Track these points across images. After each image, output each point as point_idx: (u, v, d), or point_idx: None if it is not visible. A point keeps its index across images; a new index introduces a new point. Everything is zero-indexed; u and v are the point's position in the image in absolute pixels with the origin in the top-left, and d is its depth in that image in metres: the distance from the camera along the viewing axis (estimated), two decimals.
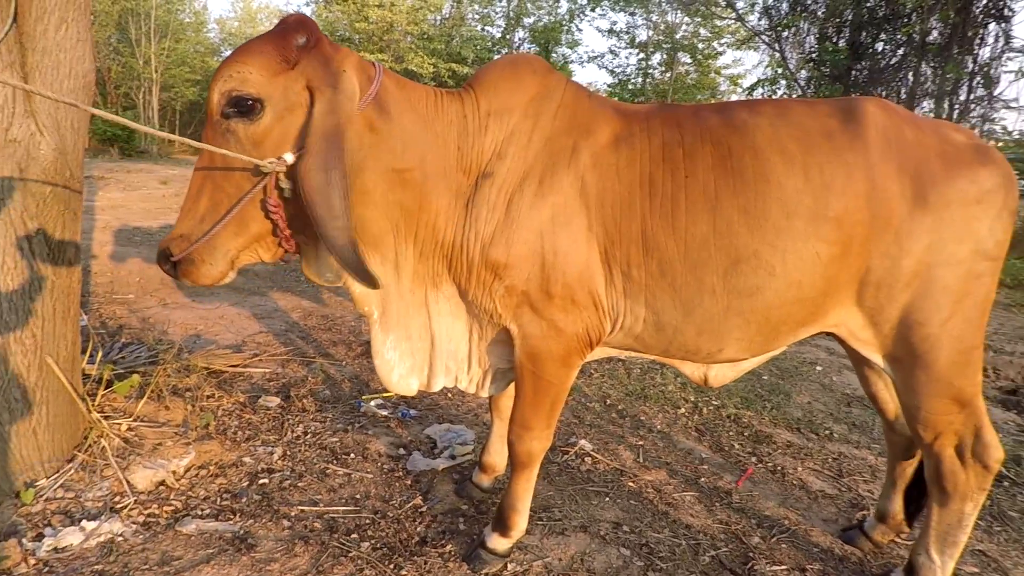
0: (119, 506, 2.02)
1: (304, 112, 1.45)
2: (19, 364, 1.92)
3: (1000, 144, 9.93)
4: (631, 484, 2.62)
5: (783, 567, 2.14)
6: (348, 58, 1.51)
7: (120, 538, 1.89)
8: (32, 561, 1.76)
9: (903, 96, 9.69)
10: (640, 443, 3.01)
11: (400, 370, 1.79)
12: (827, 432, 3.28)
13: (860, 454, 3.07)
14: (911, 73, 9.50)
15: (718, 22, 14.92)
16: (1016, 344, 5.11)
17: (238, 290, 5.08)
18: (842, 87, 9.50)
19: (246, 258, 1.56)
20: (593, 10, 16.91)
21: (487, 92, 1.68)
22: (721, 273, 1.60)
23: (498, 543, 1.98)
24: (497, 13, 16.97)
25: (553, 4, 16.85)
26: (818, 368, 4.34)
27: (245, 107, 1.43)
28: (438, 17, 16.13)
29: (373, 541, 2.08)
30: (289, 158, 1.42)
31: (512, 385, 1.98)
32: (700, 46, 16.07)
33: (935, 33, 9.27)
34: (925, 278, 1.63)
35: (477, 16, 16.78)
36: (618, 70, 17.95)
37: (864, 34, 9.67)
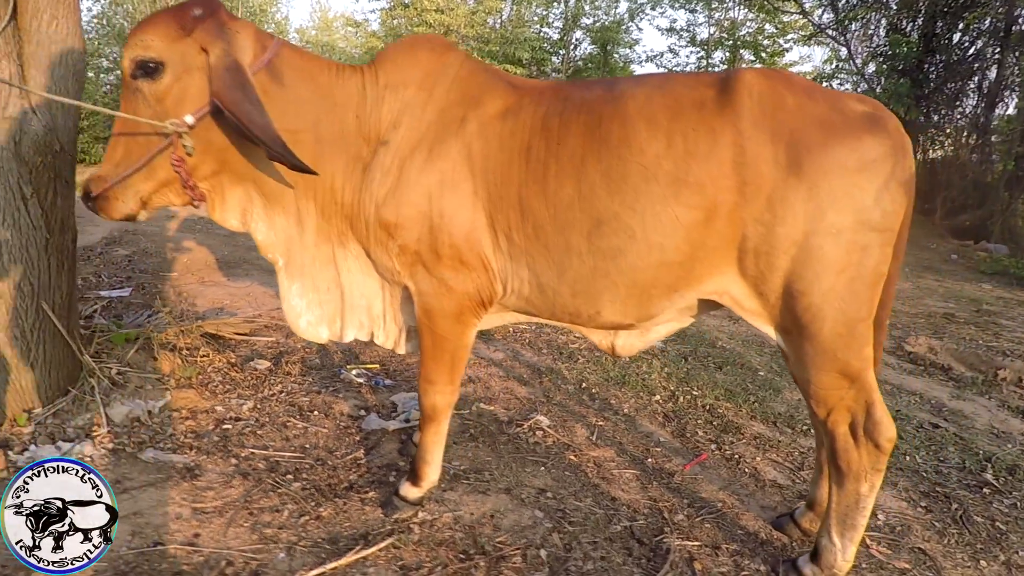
0: (94, 434, 2.34)
1: (201, 74, 1.67)
2: (18, 307, 2.27)
3: None
4: (573, 458, 2.68)
5: (696, 543, 2.15)
6: (245, 27, 1.72)
7: (88, 458, 2.20)
8: (12, 469, 2.09)
9: (985, 91, 8.93)
10: (600, 423, 3.06)
11: (308, 317, 1.98)
12: (804, 428, 3.18)
13: None
14: (994, 65, 8.73)
15: (784, 18, 14.30)
16: None
17: (269, 271, 5.50)
18: (908, 81, 8.85)
19: (158, 200, 1.81)
20: (653, 8, 16.69)
21: (385, 67, 1.85)
22: (585, 235, 1.67)
23: (409, 491, 2.13)
24: (556, 15, 17.14)
25: (611, 3, 16.79)
26: None
27: (148, 69, 1.66)
28: (498, 20, 16.49)
29: (304, 482, 2.28)
30: (189, 119, 1.65)
31: None
32: (765, 43, 15.45)
33: (1022, 22, 8.49)
34: (804, 247, 1.63)
35: (536, 18, 16.98)
36: (677, 69, 17.55)
37: (939, 24, 8.96)
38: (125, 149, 1.72)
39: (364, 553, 1.91)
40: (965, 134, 9.30)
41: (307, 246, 1.91)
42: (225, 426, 2.61)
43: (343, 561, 1.86)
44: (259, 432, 2.61)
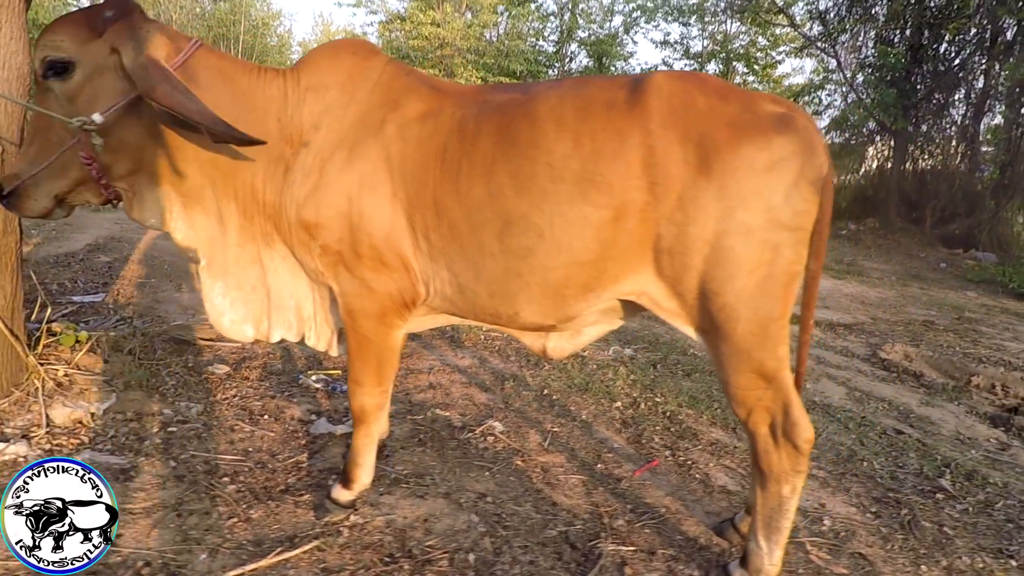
0: (32, 434, 2.34)
1: (112, 74, 1.69)
2: None
3: None
4: (520, 463, 2.66)
5: (631, 548, 2.13)
6: (158, 29, 1.73)
7: (22, 459, 2.20)
8: None
9: (972, 100, 8.94)
10: (556, 429, 3.04)
11: (232, 316, 1.97)
12: None
13: None
14: (982, 75, 8.76)
15: (776, 30, 14.40)
16: None
17: None
18: (896, 92, 8.87)
19: (75, 198, 1.83)
20: (647, 21, 16.88)
21: (308, 70, 1.86)
22: (496, 235, 1.67)
23: (341, 494, 2.11)
24: (551, 28, 17.32)
25: (605, 17, 16.98)
26: None
27: (59, 69, 1.69)
28: (494, 34, 16.71)
29: (240, 485, 2.26)
30: (97, 118, 1.66)
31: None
32: (758, 55, 15.57)
33: (1009, 34, 8.52)
34: (715, 246, 1.63)
35: (532, 31, 17.18)
36: None
37: (926, 34, 9.01)
38: (38, 147, 1.74)
39: (287, 555, 1.90)
40: (953, 143, 9.34)
41: (230, 246, 1.92)
42: (170, 429, 2.61)
43: (264, 563, 1.85)
44: (204, 436, 2.61)
